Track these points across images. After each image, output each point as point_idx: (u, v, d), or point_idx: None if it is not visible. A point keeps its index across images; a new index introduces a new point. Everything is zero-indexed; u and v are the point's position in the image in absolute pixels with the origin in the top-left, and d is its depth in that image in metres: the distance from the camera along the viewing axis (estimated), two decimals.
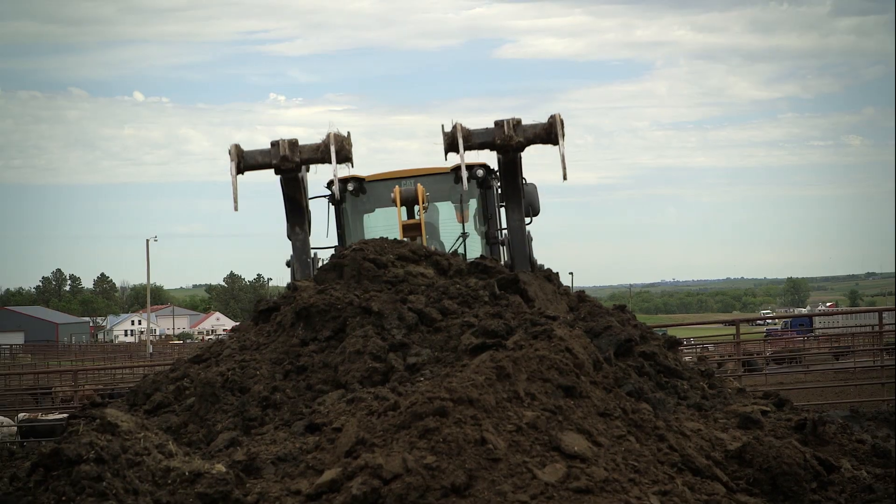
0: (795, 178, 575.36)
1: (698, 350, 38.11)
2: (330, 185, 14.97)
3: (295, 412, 8.79)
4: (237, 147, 12.74)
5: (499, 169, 13.61)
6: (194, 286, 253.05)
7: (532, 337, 8.24)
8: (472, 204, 15.26)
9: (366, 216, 15.71)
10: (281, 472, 7.36)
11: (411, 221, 14.35)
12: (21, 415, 23.09)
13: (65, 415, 18.31)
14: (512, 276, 10.69)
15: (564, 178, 12.36)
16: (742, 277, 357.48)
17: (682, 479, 6.89)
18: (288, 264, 13.90)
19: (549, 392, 7.30)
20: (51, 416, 21.69)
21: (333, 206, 15.17)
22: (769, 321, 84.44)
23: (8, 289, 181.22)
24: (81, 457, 6.72)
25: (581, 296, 11.24)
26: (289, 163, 12.71)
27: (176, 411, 9.38)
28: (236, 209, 12.77)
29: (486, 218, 14.79)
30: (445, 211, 15.57)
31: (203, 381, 9.36)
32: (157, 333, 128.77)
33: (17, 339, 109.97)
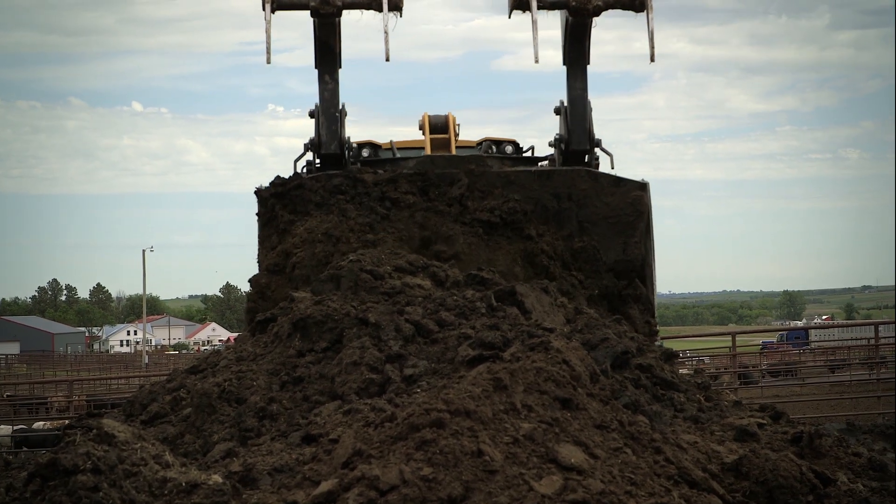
0: (793, 190, 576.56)
1: (694, 362, 38.09)
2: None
3: (291, 423, 8.79)
4: None
5: (564, 31, 12.45)
6: (190, 297, 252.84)
7: (529, 349, 8.24)
8: None
9: None
10: (277, 483, 7.36)
11: (441, 137, 13.17)
12: (38, 423, 23.08)
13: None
14: (509, 287, 10.68)
15: (652, 59, 11.42)
16: (738, 290, 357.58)
17: (679, 491, 6.89)
18: (311, 115, 12.64)
19: (545, 404, 7.30)
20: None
21: None
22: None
23: (4, 298, 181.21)
24: (78, 467, 6.72)
25: (578, 308, 11.22)
26: (329, 7, 11.45)
27: (172, 422, 9.38)
28: (269, 61, 11.54)
29: None
30: None
31: (200, 391, 9.36)
32: (153, 344, 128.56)
33: (13, 349, 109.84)
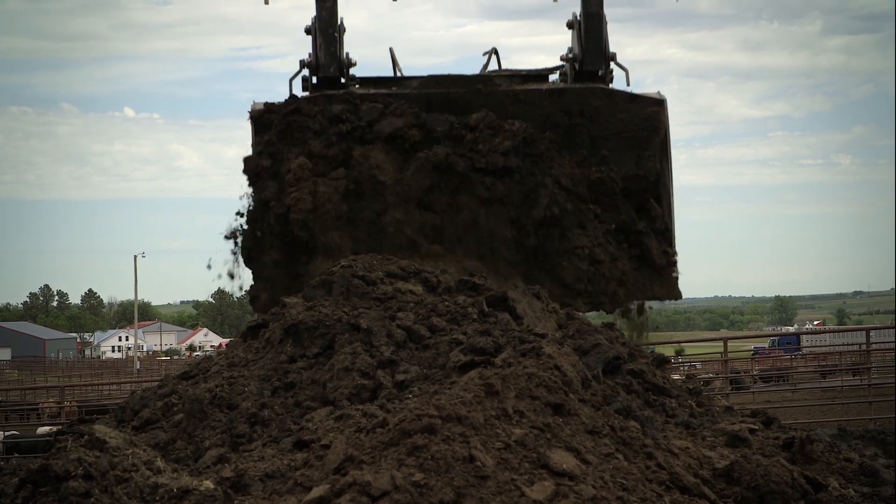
0: (785, 196, 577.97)
1: (685, 368, 38.16)
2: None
3: (283, 429, 8.78)
4: None
5: None
6: (182, 302, 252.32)
7: (521, 354, 8.24)
8: None
9: None
10: (269, 488, 7.35)
11: None
12: (41, 428, 23.07)
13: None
14: (500, 293, 10.66)
15: None
16: (730, 295, 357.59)
17: (670, 497, 6.90)
18: (308, 31, 12.10)
19: (537, 410, 7.31)
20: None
21: None
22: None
23: None
24: (70, 473, 6.72)
25: (570, 314, 11.17)
26: None
27: (164, 428, 9.36)
28: (267, 2, 11.23)
29: None
30: None
31: (191, 397, 9.35)
32: (145, 350, 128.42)
33: (4, 354, 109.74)
